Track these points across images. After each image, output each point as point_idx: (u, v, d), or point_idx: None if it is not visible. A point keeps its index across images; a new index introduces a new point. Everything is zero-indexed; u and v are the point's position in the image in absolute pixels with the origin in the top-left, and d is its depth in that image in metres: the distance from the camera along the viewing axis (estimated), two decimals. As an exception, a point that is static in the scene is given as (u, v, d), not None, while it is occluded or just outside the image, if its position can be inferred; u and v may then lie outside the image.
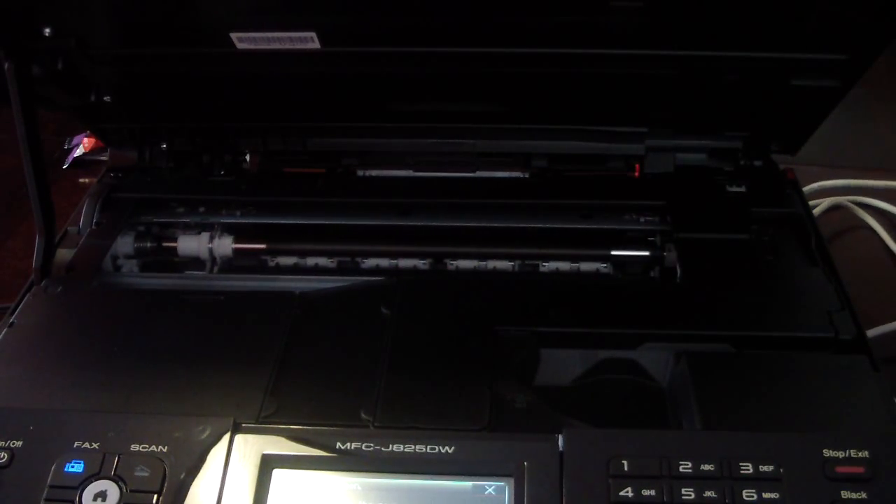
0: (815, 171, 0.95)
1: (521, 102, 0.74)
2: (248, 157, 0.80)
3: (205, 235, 0.73)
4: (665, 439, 0.50)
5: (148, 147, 0.79)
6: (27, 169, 0.65)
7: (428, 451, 0.50)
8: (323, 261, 0.73)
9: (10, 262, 0.93)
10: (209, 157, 0.79)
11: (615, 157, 0.77)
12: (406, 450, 0.50)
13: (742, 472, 0.48)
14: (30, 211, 0.66)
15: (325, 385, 0.56)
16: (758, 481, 0.47)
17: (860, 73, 0.63)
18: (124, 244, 0.72)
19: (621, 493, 0.47)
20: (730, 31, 0.63)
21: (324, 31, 0.62)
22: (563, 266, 0.71)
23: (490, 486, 0.49)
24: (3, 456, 0.50)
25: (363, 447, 0.50)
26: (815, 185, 0.93)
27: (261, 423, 0.53)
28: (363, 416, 0.53)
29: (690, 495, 0.47)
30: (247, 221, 0.74)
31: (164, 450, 0.50)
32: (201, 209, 0.75)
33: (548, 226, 0.72)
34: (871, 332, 0.65)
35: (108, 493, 0.49)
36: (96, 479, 0.49)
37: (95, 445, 0.51)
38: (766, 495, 0.47)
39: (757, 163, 0.76)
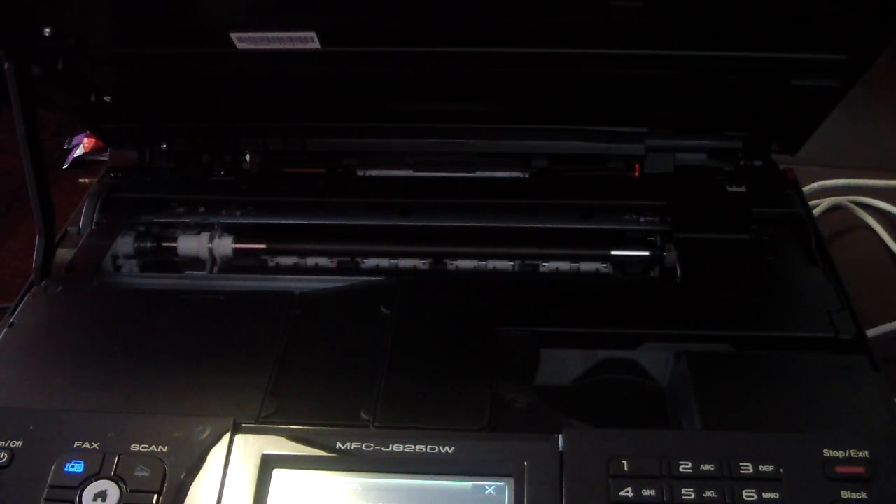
0: (815, 171, 0.95)
1: (520, 102, 0.74)
2: (248, 157, 0.80)
3: (205, 235, 0.73)
4: (665, 439, 0.50)
5: (148, 147, 0.79)
6: (27, 169, 0.65)
7: (428, 451, 0.50)
8: (323, 261, 0.73)
9: (10, 262, 0.93)
10: (209, 157, 0.79)
11: (615, 157, 0.77)
12: (406, 450, 0.50)
13: (742, 472, 0.48)
14: (30, 211, 0.66)
15: (325, 385, 0.56)
16: (758, 481, 0.47)
17: (860, 73, 0.63)
18: (124, 244, 0.72)
19: (621, 493, 0.47)
20: (730, 32, 0.63)
21: (324, 31, 0.62)
22: (563, 266, 0.71)
23: (490, 486, 0.49)
24: (3, 456, 0.50)
25: (363, 447, 0.50)
26: (815, 185, 0.93)
27: (261, 423, 0.53)
28: (363, 416, 0.53)
29: (690, 495, 0.47)
30: (247, 221, 0.74)
31: (164, 450, 0.50)
32: (201, 209, 0.75)
33: (548, 226, 0.72)
34: (871, 332, 0.65)
35: (108, 493, 0.49)
36: (96, 479, 0.49)
37: (95, 445, 0.50)
38: (766, 495, 0.47)
39: (757, 163, 0.75)
